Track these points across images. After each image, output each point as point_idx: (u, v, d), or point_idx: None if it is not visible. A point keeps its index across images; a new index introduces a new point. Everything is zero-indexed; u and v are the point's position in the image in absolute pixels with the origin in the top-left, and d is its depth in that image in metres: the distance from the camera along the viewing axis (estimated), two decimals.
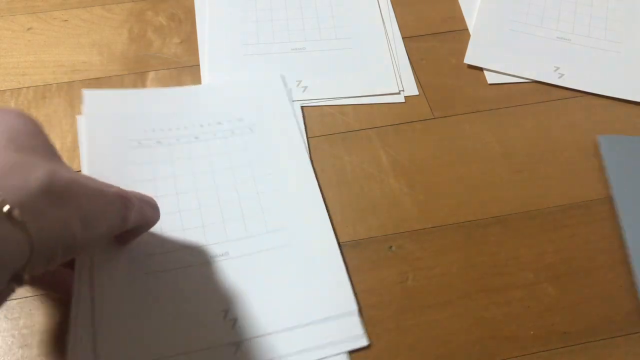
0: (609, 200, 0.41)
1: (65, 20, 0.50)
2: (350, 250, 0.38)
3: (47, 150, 0.29)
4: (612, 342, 0.35)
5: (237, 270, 0.36)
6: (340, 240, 0.39)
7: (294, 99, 0.45)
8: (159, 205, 0.35)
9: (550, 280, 0.37)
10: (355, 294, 0.36)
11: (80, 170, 0.40)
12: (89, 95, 0.43)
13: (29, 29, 0.49)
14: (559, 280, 0.37)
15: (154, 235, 0.37)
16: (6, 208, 0.23)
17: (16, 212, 0.23)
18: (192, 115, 0.43)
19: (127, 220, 0.30)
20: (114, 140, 0.41)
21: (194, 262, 0.37)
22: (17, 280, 0.24)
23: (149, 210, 0.34)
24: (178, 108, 0.44)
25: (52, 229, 0.25)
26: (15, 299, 0.35)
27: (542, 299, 0.37)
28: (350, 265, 0.37)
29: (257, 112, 0.44)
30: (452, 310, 0.36)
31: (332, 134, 0.44)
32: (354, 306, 0.35)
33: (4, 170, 0.24)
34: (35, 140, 0.28)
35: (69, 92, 0.45)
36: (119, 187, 0.31)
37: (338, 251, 0.37)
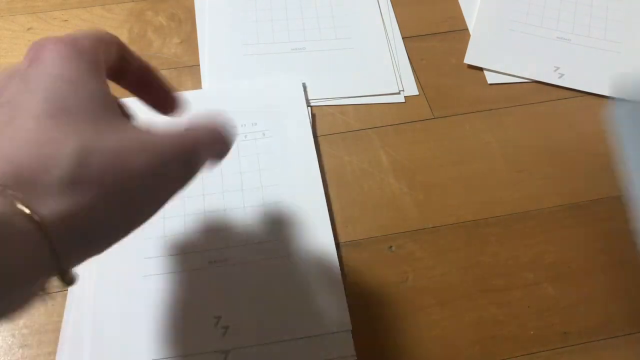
0: (609, 200, 0.41)
1: (65, 20, 0.50)
2: (350, 250, 0.38)
3: (93, 104, 0.21)
4: (612, 342, 0.35)
5: (234, 278, 0.36)
6: (341, 241, 0.39)
7: None
8: (166, 210, 0.35)
9: (550, 280, 0.37)
10: (351, 311, 0.35)
11: None
12: None
13: (29, 29, 0.49)
14: (559, 280, 0.37)
15: (154, 238, 0.37)
16: (34, 225, 0.18)
17: (45, 233, 0.18)
18: None
19: (189, 182, 0.24)
20: None
21: (191, 266, 0.36)
22: (65, 280, 0.20)
23: (219, 147, 0.26)
24: (193, 110, 0.43)
25: (82, 228, 0.20)
26: None
27: (542, 299, 0.37)
28: (350, 266, 0.38)
29: (273, 118, 0.43)
30: (452, 310, 0.36)
31: (332, 134, 0.44)
32: (348, 326, 0.35)
33: (27, 157, 0.19)
34: (81, 90, 0.22)
35: None
36: (182, 133, 0.23)
37: (338, 268, 0.37)
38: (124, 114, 0.27)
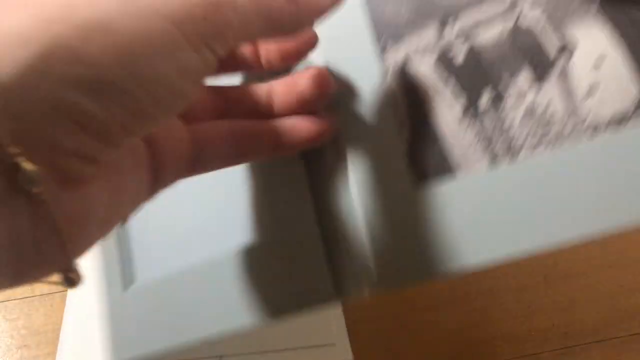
0: None
1: None
2: None
3: None
4: (612, 342, 0.35)
5: None
6: None
7: None
8: None
9: (550, 280, 0.37)
10: (350, 312, 0.35)
11: None
12: None
13: None
14: (559, 280, 0.37)
15: None
16: None
17: None
18: None
19: (224, 38, 0.12)
20: None
21: None
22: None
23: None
24: None
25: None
26: (14, 300, 0.35)
27: (542, 299, 0.37)
28: None
29: None
30: (452, 311, 0.36)
31: None
32: (345, 337, 0.35)
33: None
34: None
35: None
36: None
37: None
38: None
